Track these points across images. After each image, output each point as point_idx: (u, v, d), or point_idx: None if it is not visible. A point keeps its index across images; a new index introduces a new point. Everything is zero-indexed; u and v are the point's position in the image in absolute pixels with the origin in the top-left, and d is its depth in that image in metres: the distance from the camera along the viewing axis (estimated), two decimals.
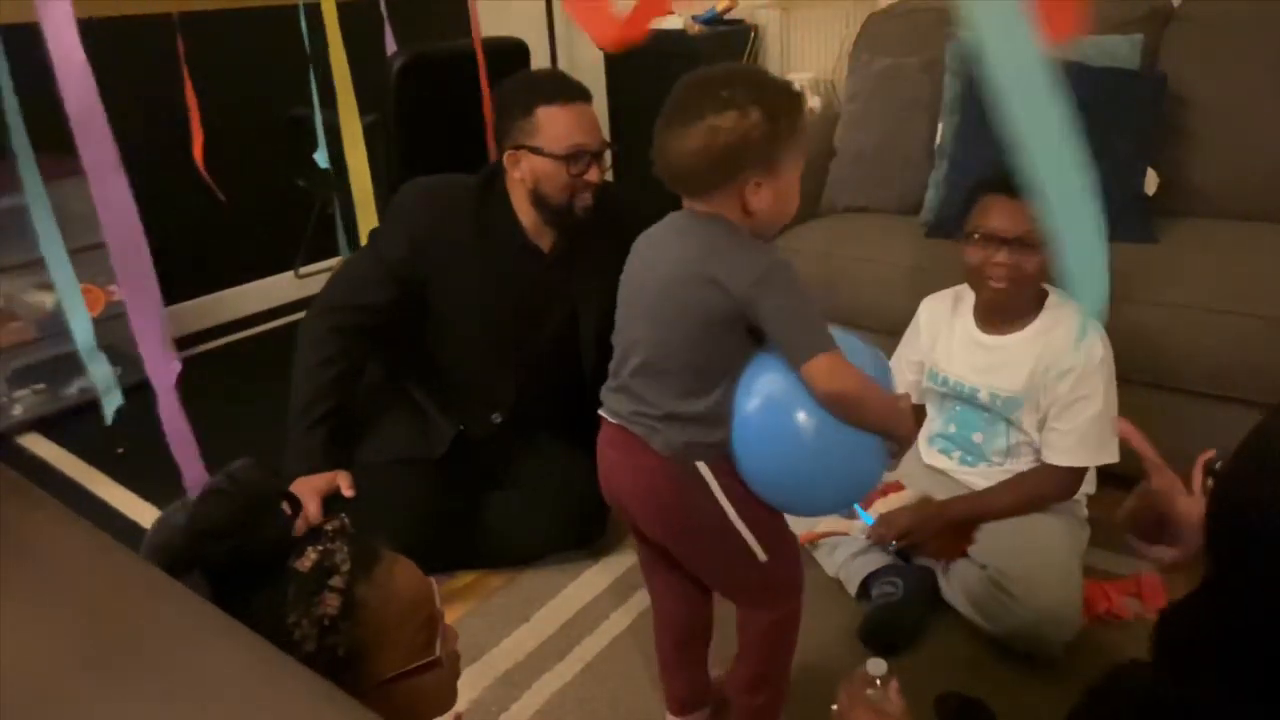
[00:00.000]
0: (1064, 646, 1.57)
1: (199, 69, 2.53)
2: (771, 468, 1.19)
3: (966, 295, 1.74)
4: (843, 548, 1.79)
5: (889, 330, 1.94)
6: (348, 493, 1.75)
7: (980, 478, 1.74)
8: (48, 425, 2.65)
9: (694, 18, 3.16)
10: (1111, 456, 1.62)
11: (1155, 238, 2.11)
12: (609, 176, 1.95)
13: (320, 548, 0.80)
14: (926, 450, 1.84)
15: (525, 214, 1.84)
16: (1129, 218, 2.13)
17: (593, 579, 1.91)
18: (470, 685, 1.63)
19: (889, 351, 1.86)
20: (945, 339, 1.76)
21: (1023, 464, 1.70)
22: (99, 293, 2.56)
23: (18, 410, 2.61)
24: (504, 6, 3.65)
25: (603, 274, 1.29)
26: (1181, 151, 2.24)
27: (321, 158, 2.42)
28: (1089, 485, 1.71)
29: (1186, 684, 0.69)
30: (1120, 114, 2.15)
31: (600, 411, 1.28)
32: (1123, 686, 0.93)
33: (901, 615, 1.67)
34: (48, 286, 2.65)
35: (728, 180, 1.14)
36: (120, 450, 2.43)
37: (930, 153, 2.42)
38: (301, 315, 1.92)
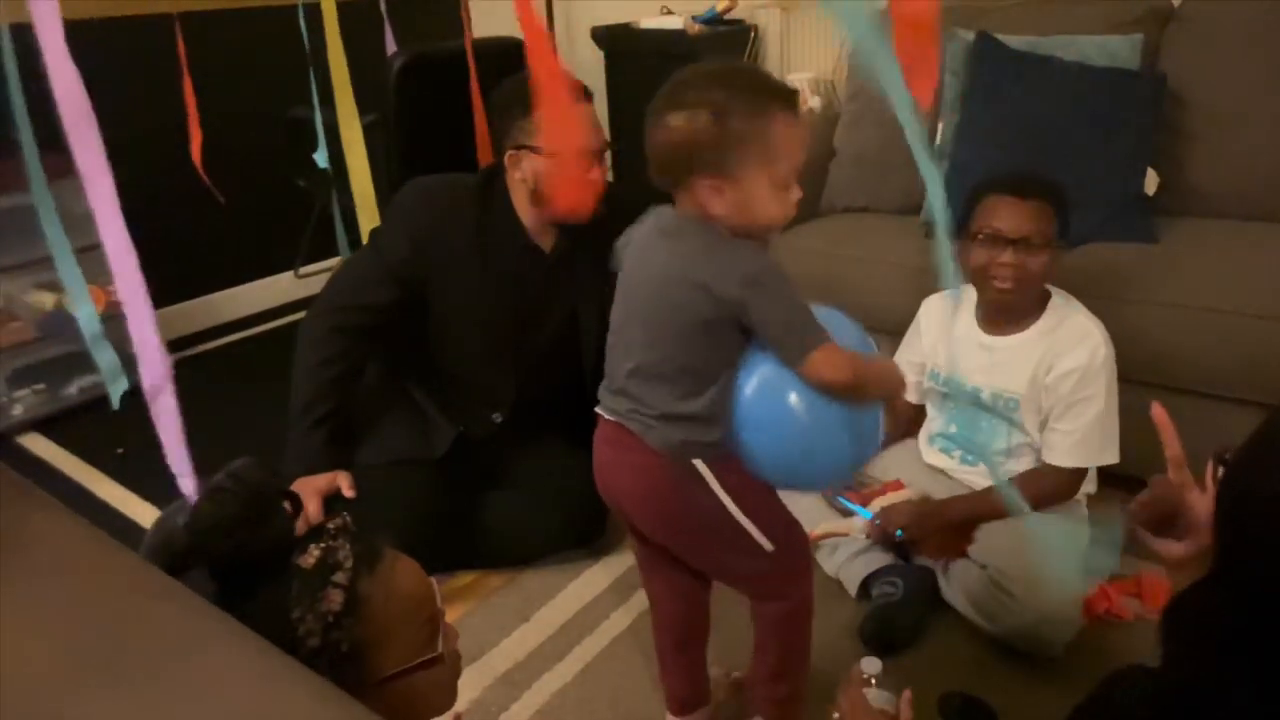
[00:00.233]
0: (1064, 646, 1.58)
1: (199, 69, 2.53)
2: (776, 444, 1.19)
3: (968, 295, 1.74)
4: (843, 548, 1.79)
5: (889, 330, 1.94)
6: (348, 493, 1.75)
7: (981, 477, 1.74)
8: (48, 425, 2.65)
9: (694, 18, 3.16)
10: (1112, 457, 1.62)
11: (1155, 238, 2.11)
12: (609, 176, 1.95)
13: (323, 545, 0.81)
14: (927, 450, 1.84)
15: (526, 214, 1.83)
16: (1129, 218, 2.13)
17: (593, 579, 1.91)
18: (470, 685, 1.63)
19: (889, 351, 1.86)
20: (947, 339, 1.76)
21: (1023, 464, 1.70)
22: (100, 292, 2.55)
23: (18, 410, 2.61)
24: (504, 6, 3.62)
25: (603, 274, 1.29)
26: (1181, 151, 2.24)
27: (321, 158, 2.42)
28: (1090, 485, 1.71)
29: (1193, 670, 0.70)
30: (1120, 114, 2.15)
31: (597, 409, 1.28)
32: (1125, 686, 0.93)
33: (901, 615, 1.67)
34: (47, 286, 2.65)
35: (681, 181, 1.14)
36: (120, 450, 2.43)
37: (930, 153, 2.42)
38: (301, 315, 1.92)
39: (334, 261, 3.50)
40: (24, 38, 0.85)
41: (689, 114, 1.11)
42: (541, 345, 1.94)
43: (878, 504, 1.70)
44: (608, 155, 1.83)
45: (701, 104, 1.11)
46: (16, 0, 0.85)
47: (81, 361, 2.66)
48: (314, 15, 2.25)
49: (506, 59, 2.64)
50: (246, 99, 3.22)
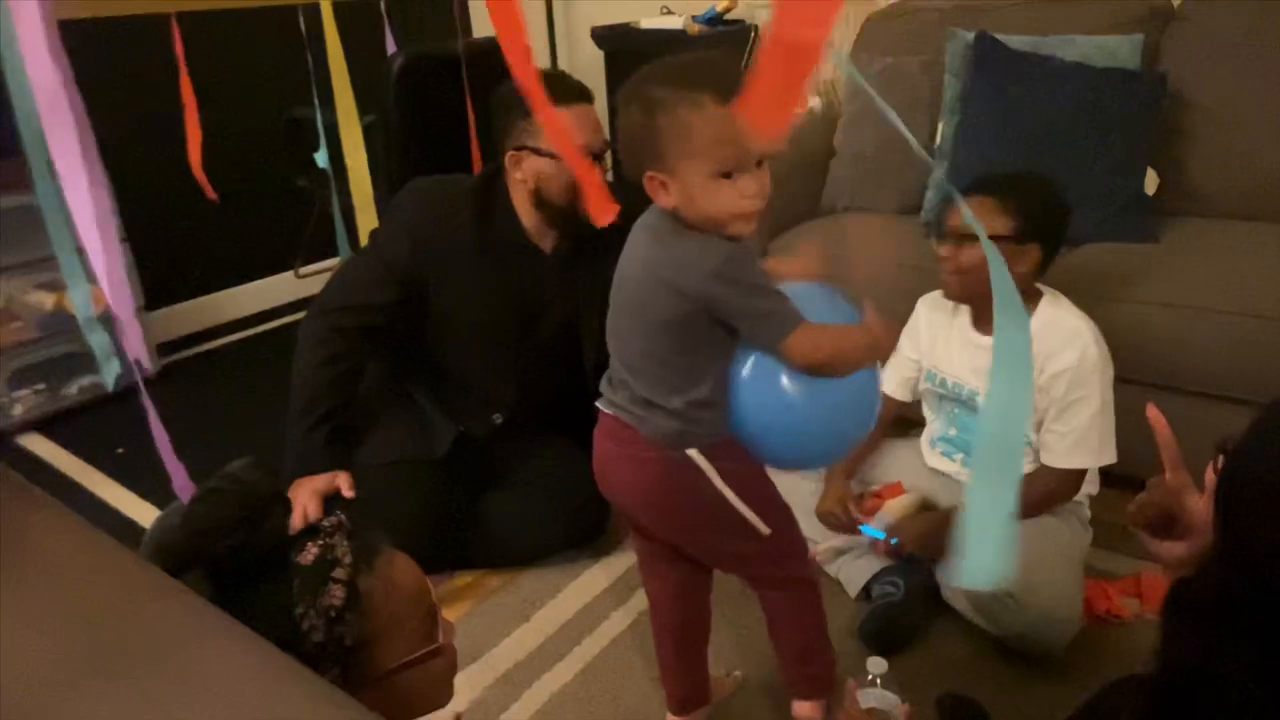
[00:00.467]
0: (1064, 647, 1.57)
1: (200, 69, 2.53)
2: (775, 427, 1.19)
3: None
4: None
5: None
6: (349, 493, 1.74)
7: None
8: (48, 425, 2.65)
9: (694, 18, 3.16)
10: (1110, 457, 1.61)
11: (1155, 238, 2.11)
12: (609, 177, 1.95)
13: (320, 542, 0.83)
14: (930, 453, 1.83)
15: (526, 215, 1.83)
16: (1129, 218, 2.13)
17: (593, 579, 1.91)
18: (470, 685, 1.63)
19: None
20: (944, 340, 1.76)
21: (1025, 467, 1.70)
22: (99, 292, 2.56)
23: (18, 410, 2.62)
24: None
25: (604, 275, 1.29)
26: (1181, 151, 2.24)
27: (321, 158, 2.42)
28: (1091, 486, 1.71)
29: (1192, 650, 0.70)
30: (1120, 114, 2.15)
31: (597, 403, 1.28)
32: (1123, 690, 0.93)
33: (901, 615, 1.67)
34: (47, 286, 2.65)
35: (634, 174, 1.14)
36: (120, 450, 2.43)
37: (930, 153, 2.42)
38: (301, 315, 1.92)
39: (334, 261, 3.50)
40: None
41: (627, 111, 1.12)
42: (542, 346, 1.94)
43: (882, 513, 1.69)
44: (608, 155, 1.83)
45: (635, 100, 1.11)
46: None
47: (81, 361, 2.67)
48: (314, 15, 2.25)
49: (507, 59, 2.64)
50: (246, 99, 3.22)
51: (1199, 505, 0.89)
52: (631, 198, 1.17)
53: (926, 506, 1.74)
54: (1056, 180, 1.64)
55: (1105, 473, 1.70)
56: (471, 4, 3.85)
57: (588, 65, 3.48)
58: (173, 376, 2.95)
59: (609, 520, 1.98)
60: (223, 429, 2.58)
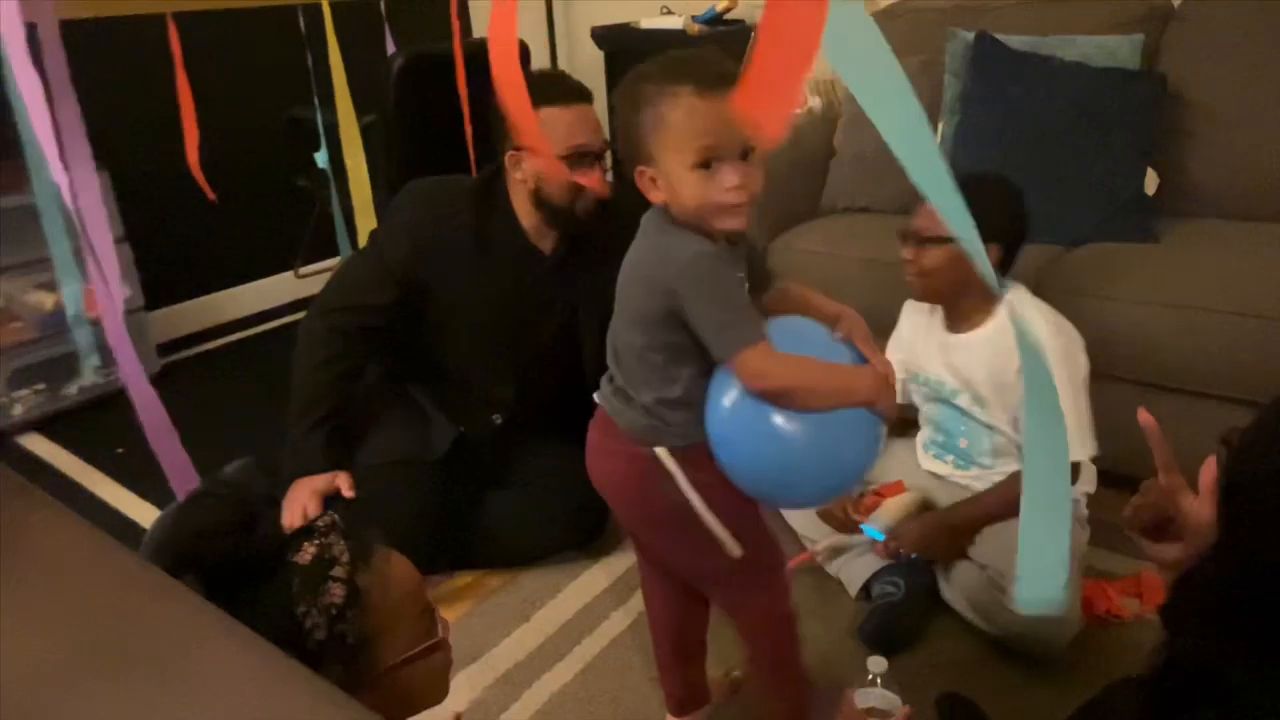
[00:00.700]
0: (1064, 647, 1.57)
1: (199, 69, 2.52)
2: (753, 462, 1.14)
3: None
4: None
5: (888, 331, 1.93)
6: (348, 494, 1.75)
7: (976, 481, 1.73)
8: (48, 425, 2.65)
9: (694, 18, 3.16)
10: (1089, 449, 1.58)
11: (1155, 237, 2.11)
12: (609, 177, 1.95)
13: (317, 542, 0.84)
14: (923, 456, 1.84)
15: (526, 216, 1.83)
16: (1129, 217, 2.13)
17: (593, 579, 1.91)
18: (470, 685, 1.63)
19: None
20: (924, 340, 1.77)
21: (1014, 465, 1.70)
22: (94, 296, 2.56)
23: (18, 410, 2.61)
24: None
25: (603, 276, 1.29)
26: (1181, 151, 2.24)
27: (321, 158, 2.42)
28: (1088, 485, 1.71)
29: (1193, 642, 0.70)
30: (1120, 114, 2.15)
31: (595, 395, 1.28)
32: (1122, 691, 0.93)
33: (901, 615, 1.67)
34: (47, 286, 2.65)
35: (630, 171, 1.14)
36: (120, 450, 2.43)
37: None
38: (301, 315, 1.92)
39: (334, 261, 3.50)
40: (30, 37, 0.85)
41: (620, 109, 1.12)
42: (541, 347, 1.94)
43: (880, 512, 1.69)
44: (608, 156, 1.83)
45: (625, 97, 1.11)
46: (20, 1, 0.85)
47: (81, 362, 2.67)
48: (314, 15, 2.25)
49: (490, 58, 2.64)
50: (246, 99, 3.22)
51: (1193, 507, 0.88)
52: (633, 197, 1.18)
53: (926, 506, 1.74)
54: (1013, 181, 1.64)
55: (1104, 473, 1.70)
56: (472, 4, 3.86)
57: (588, 65, 3.48)
58: (172, 376, 2.95)
59: (609, 520, 1.98)
60: (222, 429, 2.58)
